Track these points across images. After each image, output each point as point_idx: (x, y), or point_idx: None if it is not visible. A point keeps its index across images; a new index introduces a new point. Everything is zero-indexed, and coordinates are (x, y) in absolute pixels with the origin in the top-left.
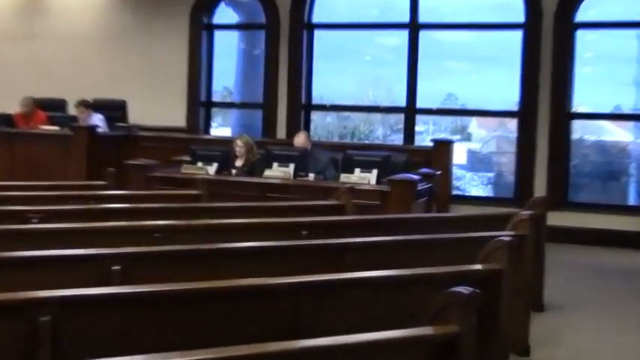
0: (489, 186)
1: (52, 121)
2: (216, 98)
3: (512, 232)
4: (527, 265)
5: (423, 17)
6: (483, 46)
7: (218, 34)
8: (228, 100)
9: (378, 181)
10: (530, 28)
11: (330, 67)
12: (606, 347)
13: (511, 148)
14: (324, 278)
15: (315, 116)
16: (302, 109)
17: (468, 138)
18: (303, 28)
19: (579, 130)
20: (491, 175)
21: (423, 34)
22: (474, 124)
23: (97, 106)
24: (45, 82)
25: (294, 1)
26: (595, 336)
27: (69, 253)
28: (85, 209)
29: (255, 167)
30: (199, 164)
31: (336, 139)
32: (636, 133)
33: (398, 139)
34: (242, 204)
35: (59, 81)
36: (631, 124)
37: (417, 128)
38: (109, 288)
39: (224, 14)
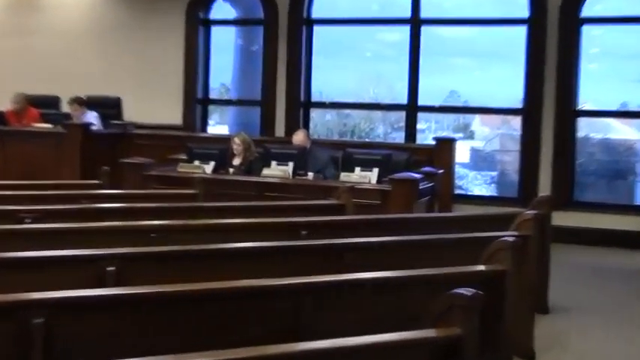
0: (493, 185)
1: (44, 118)
2: (213, 95)
3: (516, 233)
4: (531, 266)
5: (424, 12)
6: (487, 42)
7: (215, 30)
8: (225, 97)
9: (379, 180)
10: (535, 23)
11: (329, 63)
12: (614, 352)
13: (515, 146)
14: (323, 279)
15: (315, 114)
16: (301, 106)
17: (470, 136)
18: (302, 23)
19: (585, 127)
20: (494, 173)
21: (425, 30)
22: (477, 121)
23: (91, 103)
24: (37, 78)
25: None
26: (602, 340)
27: (63, 253)
28: (79, 209)
29: (253, 166)
30: (196, 163)
31: (335, 137)
32: None
33: (399, 137)
34: (240, 203)
35: (52, 77)
36: (638, 121)
37: (419, 126)
38: (104, 289)
39: (221, 9)
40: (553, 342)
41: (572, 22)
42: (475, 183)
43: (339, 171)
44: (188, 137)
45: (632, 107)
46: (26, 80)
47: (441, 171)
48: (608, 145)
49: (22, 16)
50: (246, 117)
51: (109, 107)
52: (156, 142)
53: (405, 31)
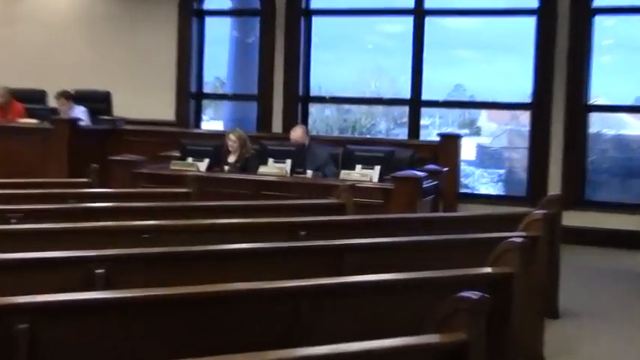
0: (500, 183)
1: (30, 113)
2: (207, 89)
3: (524, 233)
4: (540, 268)
5: (428, 2)
6: (494, 34)
7: (209, 21)
8: (220, 91)
9: (381, 179)
10: (545, 13)
11: (329, 56)
12: (627, 359)
13: (523, 142)
14: (323, 282)
15: (314, 109)
16: (299, 101)
17: (477, 132)
18: (300, 14)
19: (597, 123)
20: (501, 171)
21: (429, 21)
22: (483, 117)
23: (79, 97)
24: (22, 71)
25: None
26: (614, 346)
27: (49, 255)
28: (67, 208)
29: (249, 163)
30: (189, 160)
31: (335, 134)
32: None
33: (402, 134)
34: (235, 203)
35: (38, 70)
36: None
37: (423, 122)
38: (92, 293)
39: None
40: (563, 348)
41: (583, 12)
42: (481, 181)
43: (339, 169)
44: (181, 133)
45: None
46: (10, 73)
47: (445, 169)
48: (621, 142)
49: (4, 5)
50: (241, 112)
51: (98, 102)
52: (147, 138)
53: (408, 22)
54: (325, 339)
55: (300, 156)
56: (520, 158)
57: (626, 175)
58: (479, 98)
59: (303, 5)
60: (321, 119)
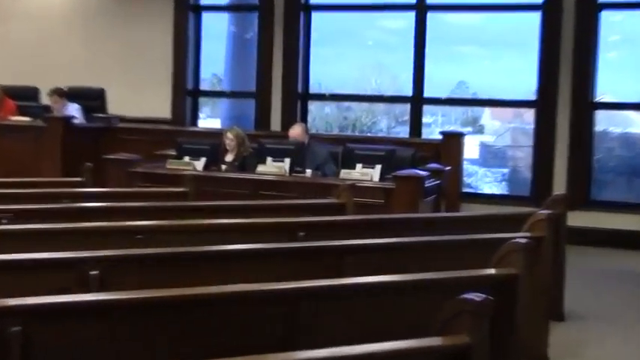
0: (504, 183)
1: (22, 111)
2: (204, 86)
3: (528, 234)
4: (545, 269)
5: None
6: (498, 29)
7: (206, 16)
8: (217, 88)
9: (382, 178)
10: (550, 8)
11: (329, 52)
12: None
13: (528, 141)
14: (322, 284)
15: (313, 106)
16: (298, 98)
17: (480, 130)
18: (299, 9)
19: (603, 121)
20: (505, 170)
21: (431, 16)
22: (486, 114)
23: (72, 94)
24: (14, 68)
25: None
26: (621, 349)
27: (42, 256)
28: (60, 208)
29: (247, 162)
30: (186, 159)
31: (335, 132)
32: None
33: (403, 132)
34: (233, 203)
35: (30, 67)
36: None
37: (425, 119)
38: (87, 295)
39: None
40: (568, 351)
41: (589, 7)
42: (485, 180)
43: (339, 168)
44: (177, 132)
45: None
46: (2, 70)
47: (448, 168)
48: (628, 140)
49: None
50: (239, 110)
51: (92, 99)
52: (142, 136)
53: (409, 17)
54: (325, 341)
55: (299, 155)
56: (524, 157)
57: (633, 174)
58: (482, 95)
59: (303, 0)
60: (321, 117)
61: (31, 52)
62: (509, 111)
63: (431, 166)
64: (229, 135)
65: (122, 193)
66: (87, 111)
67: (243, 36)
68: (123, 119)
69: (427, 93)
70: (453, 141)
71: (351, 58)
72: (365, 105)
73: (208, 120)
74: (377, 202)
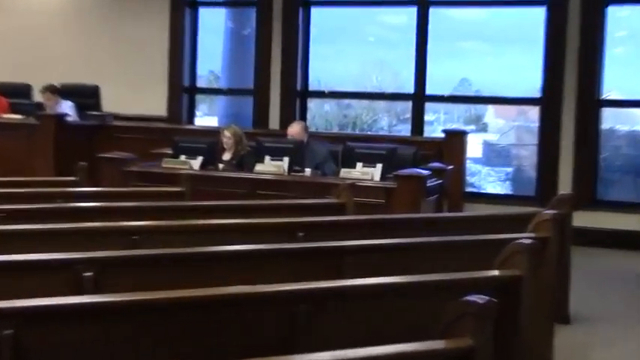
0: (508, 182)
1: (15, 108)
2: (200, 84)
3: (533, 234)
4: (550, 270)
5: None
6: (501, 25)
7: (203, 12)
8: (214, 85)
9: (383, 177)
10: (555, 3)
11: (328, 48)
12: None
13: (532, 139)
14: (322, 285)
15: (312, 104)
16: (297, 95)
17: (483, 128)
18: (298, 4)
19: (610, 119)
20: (509, 170)
21: (434, 12)
22: (490, 112)
23: (66, 91)
24: (6, 64)
25: None
26: (627, 352)
27: (35, 257)
28: (53, 208)
29: (244, 161)
30: (182, 158)
31: (335, 130)
32: None
33: (405, 130)
34: (230, 202)
35: (22, 63)
36: None
37: (427, 117)
38: (80, 297)
39: None
40: (574, 354)
41: (595, 2)
42: (488, 180)
43: (339, 167)
44: (173, 130)
45: None
46: None
47: (450, 167)
48: (635, 138)
49: None
50: (237, 107)
51: (86, 96)
52: (138, 134)
53: (411, 13)
54: (325, 342)
55: (298, 153)
56: (529, 156)
57: None
58: (485, 93)
59: None
60: (320, 115)
61: (23, 48)
62: (513, 109)
63: (433, 165)
64: (226, 133)
65: (117, 193)
66: (81, 108)
67: (240, 32)
68: (117, 117)
69: (429, 90)
70: (455, 139)
71: (352, 55)
72: (365, 102)
73: (205, 118)
74: (378, 202)
